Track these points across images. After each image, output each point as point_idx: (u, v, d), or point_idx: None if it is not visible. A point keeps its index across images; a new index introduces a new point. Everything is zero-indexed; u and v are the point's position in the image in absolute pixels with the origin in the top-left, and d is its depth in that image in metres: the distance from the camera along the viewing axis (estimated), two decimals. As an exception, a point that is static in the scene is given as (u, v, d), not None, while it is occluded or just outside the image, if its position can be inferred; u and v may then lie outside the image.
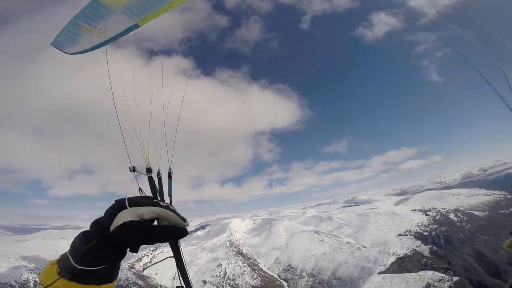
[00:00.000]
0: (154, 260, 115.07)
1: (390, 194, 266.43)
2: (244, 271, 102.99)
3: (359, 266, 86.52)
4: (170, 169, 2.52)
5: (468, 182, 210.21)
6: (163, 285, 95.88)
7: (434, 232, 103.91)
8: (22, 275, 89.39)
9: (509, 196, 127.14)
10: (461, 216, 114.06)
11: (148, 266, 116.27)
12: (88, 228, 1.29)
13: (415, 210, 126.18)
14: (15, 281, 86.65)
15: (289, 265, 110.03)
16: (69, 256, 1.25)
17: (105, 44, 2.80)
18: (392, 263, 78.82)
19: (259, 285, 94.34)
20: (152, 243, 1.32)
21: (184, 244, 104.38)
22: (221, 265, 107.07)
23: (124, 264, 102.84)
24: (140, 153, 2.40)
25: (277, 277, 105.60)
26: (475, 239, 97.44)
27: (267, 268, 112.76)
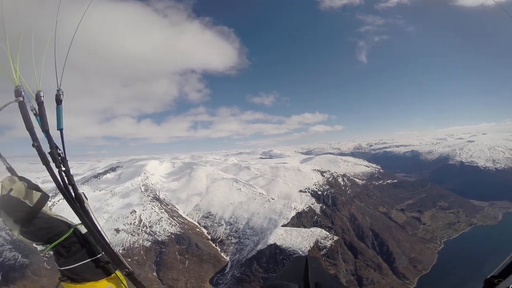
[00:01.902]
0: (57, 207, 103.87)
1: (299, 152, 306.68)
2: (162, 217, 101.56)
3: (267, 217, 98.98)
4: (59, 90, 1.89)
5: (357, 153, 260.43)
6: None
7: (325, 192, 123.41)
8: None
9: (381, 170, 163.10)
10: (346, 181, 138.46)
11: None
12: None
13: (315, 169, 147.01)
14: None
15: (209, 212, 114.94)
16: (56, 263, 1.77)
17: None
18: (293, 217, 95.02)
19: (178, 232, 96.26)
20: None
21: (90, 189, 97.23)
22: (135, 211, 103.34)
23: None
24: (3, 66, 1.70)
25: (197, 224, 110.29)
26: (352, 203, 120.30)
27: (187, 215, 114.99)
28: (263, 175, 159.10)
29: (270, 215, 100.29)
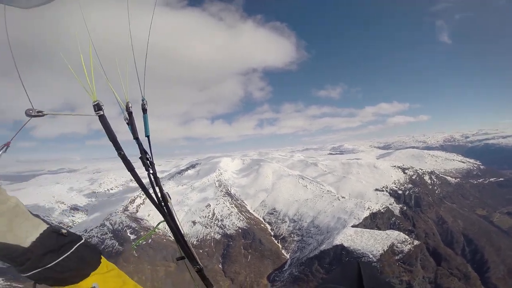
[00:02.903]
0: (146, 201, 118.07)
1: (375, 147, 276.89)
2: (232, 212, 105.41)
3: (336, 217, 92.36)
4: (143, 99, 2.02)
5: (448, 146, 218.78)
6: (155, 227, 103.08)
7: (407, 192, 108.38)
8: None
9: (482, 167, 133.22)
10: (435, 180, 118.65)
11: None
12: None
13: (394, 166, 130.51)
14: None
15: (274, 209, 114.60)
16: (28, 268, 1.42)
17: None
18: (365, 218, 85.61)
19: (245, 227, 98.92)
20: None
21: (174, 184, 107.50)
22: (210, 205, 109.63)
23: (118, 207, 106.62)
24: (83, 82, 1.76)
25: (262, 220, 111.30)
26: (441, 204, 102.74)
27: (254, 210, 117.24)
28: (332, 171, 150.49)
29: (339, 215, 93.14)
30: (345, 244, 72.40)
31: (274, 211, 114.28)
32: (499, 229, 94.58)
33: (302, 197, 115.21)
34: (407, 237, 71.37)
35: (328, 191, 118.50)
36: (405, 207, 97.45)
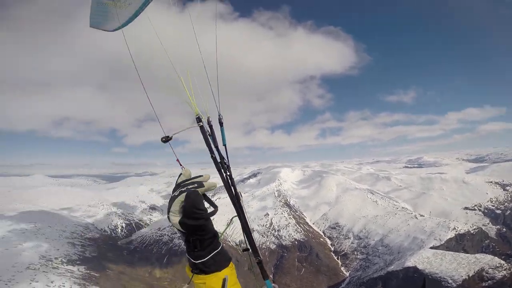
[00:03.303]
0: (219, 202, 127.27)
1: (463, 160, 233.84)
2: (289, 223, 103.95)
3: (411, 236, 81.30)
4: (219, 115, 2.40)
5: None
6: (218, 231, 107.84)
7: (508, 212, 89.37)
8: (112, 221, 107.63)
9: None
10: None
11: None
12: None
13: (491, 182, 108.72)
14: (108, 226, 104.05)
15: (336, 223, 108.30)
16: (188, 256, 1.78)
17: (138, 13, 2.83)
18: (449, 239, 72.17)
19: (301, 239, 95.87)
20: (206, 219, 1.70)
21: (224, 194, 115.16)
22: (268, 214, 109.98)
23: None
24: (186, 101, 2.24)
25: (322, 234, 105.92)
26: None
27: (313, 223, 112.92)
28: (409, 187, 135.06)
29: (415, 234, 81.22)
30: (419, 267, 61.81)
31: (336, 226, 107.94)
32: None
33: (371, 213, 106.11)
34: (503, 262, 56.90)
35: (403, 208, 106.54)
36: (504, 229, 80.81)
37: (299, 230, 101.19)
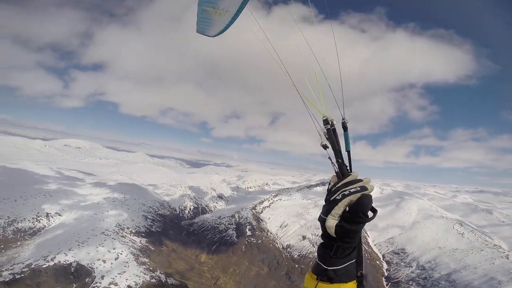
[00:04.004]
0: (272, 205, 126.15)
1: None
2: None
3: (488, 276, 66.37)
4: (343, 119, 2.19)
5: None
6: (269, 230, 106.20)
7: None
8: (184, 202, 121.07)
9: None
10: None
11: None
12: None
13: None
14: (179, 206, 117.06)
15: (402, 249, 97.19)
16: (320, 262, 1.74)
17: (234, 20, 3.06)
18: None
19: None
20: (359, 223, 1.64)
21: (300, 196, 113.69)
22: None
23: (249, 204, 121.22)
24: (313, 105, 2.18)
25: (381, 257, 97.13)
26: None
27: (375, 244, 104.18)
28: None
29: (495, 275, 66.36)
30: None
31: (401, 252, 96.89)
32: None
33: (450, 246, 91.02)
34: None
35: (495, 245, 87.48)
36: None
37: None
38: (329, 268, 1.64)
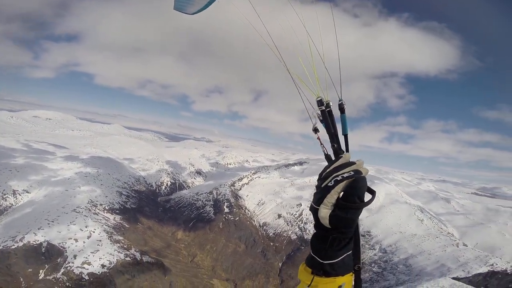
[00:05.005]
0: (251, 182, 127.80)
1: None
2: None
3: (439, 263, 73.77)
4: (341, 100, 2.06)
5: None
6: (247, 208, 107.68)
7: None
8: (161, 177, 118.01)
9: None
10: None
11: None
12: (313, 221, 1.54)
13: None
14: (155, 182, 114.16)
15: (368, 232, 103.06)
16: (315, 255, 1.59)
17: None
18: (478, 274, 63.35)
19: None
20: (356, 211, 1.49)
21: (278, 175, 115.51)
22: (301, 205, 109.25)
23: (228, 181, 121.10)
24: (307, 84, 2.00)
25: None
26: None
27: None
28: (468, 214, 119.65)
29: (445, 262, 73.61)
30: None
31: (367, 234, 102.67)
32: None
33: (410, 231, 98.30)
34: None
35: (448, 233, 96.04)
36: None
37: None
38: (325, 262, 1.53)
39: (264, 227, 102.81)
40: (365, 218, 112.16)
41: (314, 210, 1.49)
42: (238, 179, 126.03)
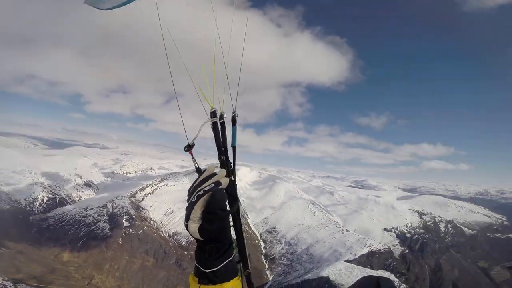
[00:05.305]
0: (156, 191, 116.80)
1: (399, 188, 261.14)
2: (230, 221, 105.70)
3: (332, 249, 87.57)
4: (234, 112, 2.08)
5: (478, 199, 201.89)
6: (153, 219, 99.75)
7: (416, 236, 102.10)
8: (34, 192, 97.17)
9: (505, 223, 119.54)
10: (450, 229, 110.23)
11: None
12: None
13: (413, 210, 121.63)
14: (25, 198, 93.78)
15: (274, 228, 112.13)
16: (198, 265, 1.62)
17: None
18: (362, 255, 79.60)
19: (234, 240, 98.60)
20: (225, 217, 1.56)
21: (188, 181, 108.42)
22: None
23: (127, 191, 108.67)
24: (203, 92, 1.97)
25: (258, 236, 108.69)
26: (445, 253, 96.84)
27: (253, 225, 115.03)
28: (346, 203, 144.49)
29: (337, 247, 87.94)
30: (331, 278, 67.71)
31: (273, 230, 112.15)
32: (492, 282, 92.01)
33: (306, 223, 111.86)
34: (396, 279, 65.49)
35: (335, 221, 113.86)
36: (407, 250, 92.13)
37: (232, 230, 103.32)
38: (207, 271, 1.60)
39: (175, 237, 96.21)
40: (270, 216, 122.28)
41: (185, 226, 1.55)
42: (140, 189, 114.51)
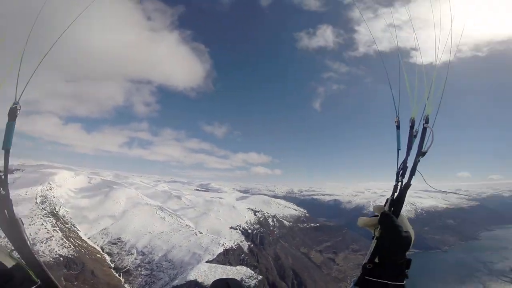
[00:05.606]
0: None
1: (236, 190, 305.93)
2: (53, 236, 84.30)
3: (191, 252, 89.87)
4: (16, 103, 1.54)
5: (288, 197, 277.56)
6: None
7: (255, 231, 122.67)
8: None
9: (307, 215, 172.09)
10: (275, 222, 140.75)
11: None
12: None
13: (249, 208, 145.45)
14: None
15: (119, 239, 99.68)
16: None
17: None
18: (220, 254, 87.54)
19: (70, 255, 79.20)
20: None
21: None
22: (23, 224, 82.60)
23: None
24: None
25: (99, 250, 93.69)
26: (278, 243, 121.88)
27: (88, 238, 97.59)
28: (195, 207, 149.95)
29: (195, 250, 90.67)
30: (199, 280, 70.19)
31: (118, 241, 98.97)
32: (314, 264, 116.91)
33: (157, 229, 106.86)
34: (252, 272, 77.30)
35: (187, 225, 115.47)
36: (252, 245, 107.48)
37: (66, 245, 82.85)
38: None
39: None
40: (110, 226, 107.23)
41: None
42: None
